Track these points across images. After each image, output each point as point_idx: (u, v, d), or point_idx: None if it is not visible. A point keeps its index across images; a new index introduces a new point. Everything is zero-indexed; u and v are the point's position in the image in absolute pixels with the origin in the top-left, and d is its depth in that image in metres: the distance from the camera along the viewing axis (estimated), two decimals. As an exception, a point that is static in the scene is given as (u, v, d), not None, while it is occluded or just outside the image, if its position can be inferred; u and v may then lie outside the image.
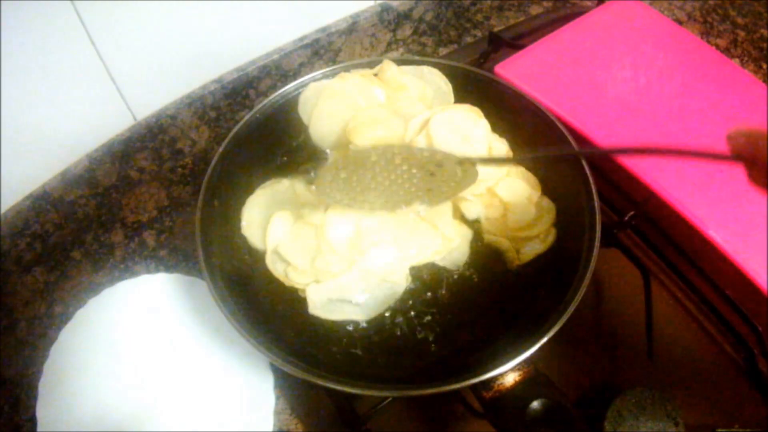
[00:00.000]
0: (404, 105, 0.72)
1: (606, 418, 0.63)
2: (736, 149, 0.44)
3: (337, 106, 0.72)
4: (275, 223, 0.66)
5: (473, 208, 0.70)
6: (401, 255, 0.65)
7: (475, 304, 0.67)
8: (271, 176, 0.74)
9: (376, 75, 0.74)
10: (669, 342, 0.72)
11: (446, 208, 0.68)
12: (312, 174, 0.74)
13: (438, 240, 0.66)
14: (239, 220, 0.70)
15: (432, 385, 0.55)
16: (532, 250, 0.68)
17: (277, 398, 0.67)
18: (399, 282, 0.65)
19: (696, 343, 0.73)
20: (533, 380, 0.56)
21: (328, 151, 0.74)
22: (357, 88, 0.72)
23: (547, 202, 0.71)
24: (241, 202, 0.71)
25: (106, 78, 0.74)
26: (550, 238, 0.69)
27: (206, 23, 0.79)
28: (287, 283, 0.64)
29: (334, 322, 0.65)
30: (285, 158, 0.77)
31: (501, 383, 0.56)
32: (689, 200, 0.69)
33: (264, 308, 0.65)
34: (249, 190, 0.73)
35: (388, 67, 0.73)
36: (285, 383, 0.68)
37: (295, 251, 0.64)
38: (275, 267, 0.65)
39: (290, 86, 0.75)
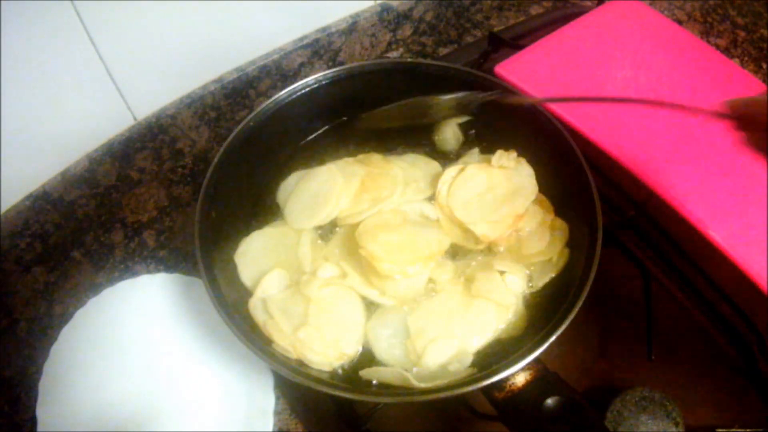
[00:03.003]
0: (384, 186, 0.71)
1: (606, 418, 0.63)
2: (735, 113, 0.46)
3: (314, 187, 0.72)
4: (272, 277, 0.64)
5: (516, 281, 0.66)
6: (462, 345, 0.61)
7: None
8: (268, 185, 0.74)
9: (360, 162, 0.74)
10: (669, 342, 0.72)
11: (492, 274, 0.65)
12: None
13: (495, 312, 0.63)
14: (238, 236, 0.69)
15: (444, 388, 0.54)
16: (546, 275, 0.66)
17: (277, 398, 0.67)
18: (462, 370, 0.59)
19: (696, 343, 0.73)
20: (544, 379, 0.56)
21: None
22: (335, 167, 0.73)
23: (560, 224, 0.70)
24: (237, 213, 0.71)
25: (106, 78, 0.74)
26: (563, 261, 0.67)
27: (206, 23, 0.79)
28: (263, 330, 0.61)
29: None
30: (280, 167, 0.77)
31: (512, 383, 0.56)
32: (689, 200, 0.69)
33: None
34: (246, 199, 0.73)
35: (373, 157, 0.75)
36: (285, 383, 0.68)
37: (283, 312, 0.62)
38: (256, 312, 0.62)
39: (283, 93, 0.74)
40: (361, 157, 0.76)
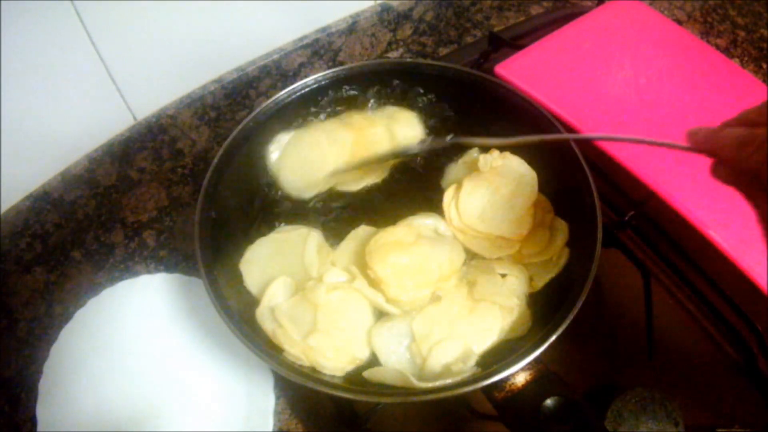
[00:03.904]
0: (373, 143, 0.73)
1: (606, 418, 0.63)
2: (696, 144, 0.46)
3: (305, 153, 0.73)
4: (277, 285, 0.64)
5: (517, 283, 0.66)
6: (467, 346, 0.61)
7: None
8: (268, 187, 0.74)
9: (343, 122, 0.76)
10: (669, 342, 0.72)
11: (494, 277, 0.65)
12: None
13: (499, 314, 0.62)
14: (238, 236, 0.69)
15: (444, 389, 0.54)
16: (546, 275, 0.66)
17: (277, 398, 0.67)
18: (466, 369, 0.59)
19: (696, 343, 0.73)
20: (544, 379, 0.56)
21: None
22: (324, 134, 0.74)
23: (559, 223, 0.70)
24: (238, 212, 0.71)
25: (106, 78, 0.74)
26: (563, 260, 0.66)
27: (206, 23, 0.79)
28: (273, 339, 0.61)
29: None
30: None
31: (512, 383, 0.56)
32: (689, 200, 0.69)
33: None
34: (246, 199, 0.72)
35: (355, 114, 0.76)
36: (285, 383, 0.68)
37: (291, 320, 0.61)
38: (264, 323, 0.62)
39: (283, 93, 0.74)
40: (342, 116, 0.77)
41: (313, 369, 0.59)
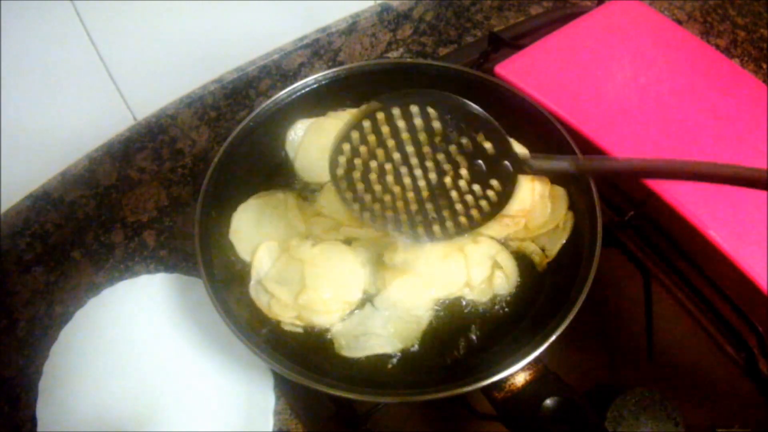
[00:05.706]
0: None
1: (606, 418, 0.63)
2: None
3: (324, 140, 0.72)
4: (262, 254, 0.66)
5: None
6: (425, 288, 0.64)
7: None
8: (266, 187, 0.74)
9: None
10: (669, 342, 0.72)
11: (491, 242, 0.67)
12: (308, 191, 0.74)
13: (464, 269, 0.65)
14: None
15: (444, 389, 0.54)
16: (557, 242, 0.68)
17: (277, 398, 0.67)
18: (422, 316, 0.64)
19: (696, 343, 0.73)
20: (544, 379, 0.56)
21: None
22: (341, 122, 0.73)
23: (558, 190, 0.71)
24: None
25: (106, 78, 0.74)
26: (569, 224, 0.68)
27: (206, 23, 0.79)
28: (270, 315, 0.63)
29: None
30: (279, 170, 0.77)
31: (512, 383, 0.56)
32: (689, 200, 0.69)
33: (264, 313, 0.64)
34: (246, 199, 0.72)
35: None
36: (285, 383, 0.68)
37: (280, 285, 0.63)
38: (258, 297, 0.64)
39: (283, 93, 0.74)
40: (363, 108, 0.76)
41: (311, 330, 0.62)
